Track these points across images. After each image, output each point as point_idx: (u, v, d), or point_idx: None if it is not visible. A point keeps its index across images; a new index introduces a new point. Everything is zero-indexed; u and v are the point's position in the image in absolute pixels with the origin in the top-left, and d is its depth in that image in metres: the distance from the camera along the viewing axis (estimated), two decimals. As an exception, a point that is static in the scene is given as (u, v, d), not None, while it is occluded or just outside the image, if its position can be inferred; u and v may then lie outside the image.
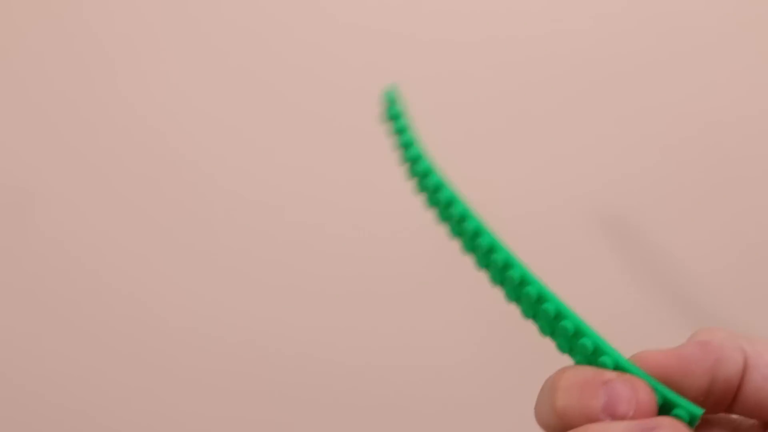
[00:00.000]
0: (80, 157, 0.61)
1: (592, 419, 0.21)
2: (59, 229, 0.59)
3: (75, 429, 0.57)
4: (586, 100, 0.62)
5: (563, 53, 0.62)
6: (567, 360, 0.23)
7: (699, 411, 0.21)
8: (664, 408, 0.21)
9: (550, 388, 0.22)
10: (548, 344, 0.23)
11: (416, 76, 0.62)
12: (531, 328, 0.23)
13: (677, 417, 0.21)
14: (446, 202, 0.24)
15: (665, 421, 0.20)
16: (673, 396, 0.21)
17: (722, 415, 0.24)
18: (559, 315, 0.22)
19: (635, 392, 0.21)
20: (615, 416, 0.21)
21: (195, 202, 0.60)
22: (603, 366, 0.22)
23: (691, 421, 0.21)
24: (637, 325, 0.58)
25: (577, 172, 0.60)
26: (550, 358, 0.23)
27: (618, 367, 0.22)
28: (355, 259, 0.60)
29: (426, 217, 0.66)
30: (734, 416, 0.24)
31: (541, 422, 0.22)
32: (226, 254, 0.59)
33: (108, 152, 0.61)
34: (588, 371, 0.22)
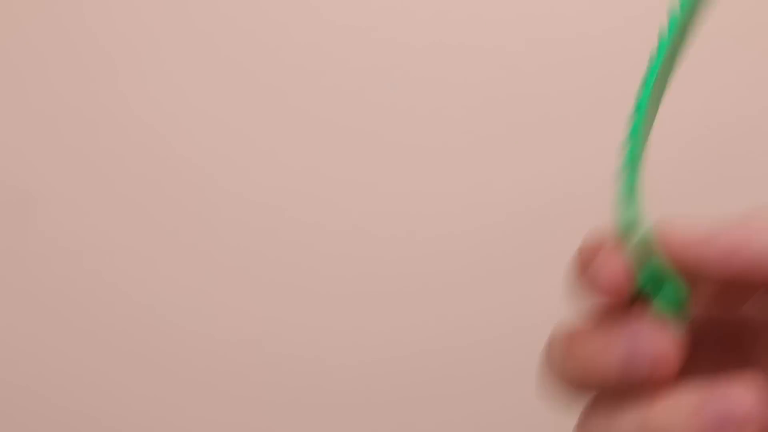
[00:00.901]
0: (82, 157, 0.61)
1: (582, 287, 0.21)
2: (61, 229, 0.59)
3: (76, 430, 0.57)
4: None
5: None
6: None
7: (684, 294, 0.21)
8: (652, 285, 0.21)
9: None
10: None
11: (416, 78, 0.62)
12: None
13: (662, 302, 0.21)
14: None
15: (643, 327, 0.20)
16: (661, 274, 0.21)
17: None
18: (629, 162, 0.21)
19: (610, 268, 0.20)
20: (593, 288, 0.20)
21: (197, 202, 0.60)
22: (622, 216, 0.21)
23: (679, 304, 0.21)
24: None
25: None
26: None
27: (630, 225, 0.21)
28: (356, 259, 0.59)
29: (426, 217, 0.65)
30: None
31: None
32: (229, 255, 0.59)
33: (109, 153, 0.61)
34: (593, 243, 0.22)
